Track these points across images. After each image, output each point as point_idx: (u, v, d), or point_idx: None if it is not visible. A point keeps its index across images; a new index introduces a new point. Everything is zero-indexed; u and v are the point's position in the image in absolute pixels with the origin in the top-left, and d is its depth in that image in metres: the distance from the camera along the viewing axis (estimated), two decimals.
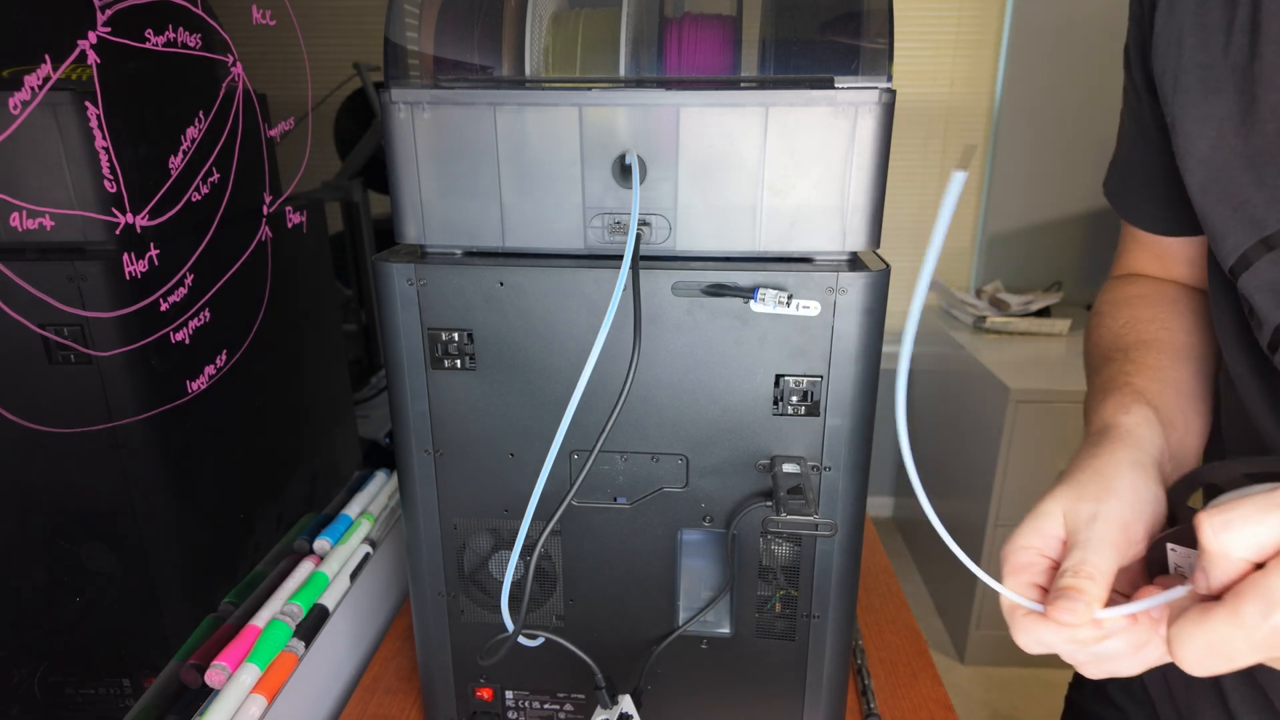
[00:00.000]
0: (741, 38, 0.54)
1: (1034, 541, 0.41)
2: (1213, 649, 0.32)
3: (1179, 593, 0.36)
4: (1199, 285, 0.60)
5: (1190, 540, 0.35)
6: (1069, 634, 0.38)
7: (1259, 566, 0.32)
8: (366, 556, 0.82)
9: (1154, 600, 0.37)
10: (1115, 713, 0.65)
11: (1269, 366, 0.48)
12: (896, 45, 0.50)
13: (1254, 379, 0.50)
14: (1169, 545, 0.39)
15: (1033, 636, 0.39)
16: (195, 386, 0.67)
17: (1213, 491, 0.38)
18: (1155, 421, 0.47)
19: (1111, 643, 0.38)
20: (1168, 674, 0.59)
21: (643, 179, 0.51)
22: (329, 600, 0.74)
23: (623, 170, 0.51)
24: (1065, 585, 0.38)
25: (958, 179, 0.30)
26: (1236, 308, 0.49)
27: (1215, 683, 0.55)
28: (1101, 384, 0.52)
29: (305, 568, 0.77)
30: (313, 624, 0.71)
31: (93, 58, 0.54)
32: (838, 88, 0.49)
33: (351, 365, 1.26)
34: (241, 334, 0.74)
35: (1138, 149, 0.57)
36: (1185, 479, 0.42)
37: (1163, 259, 0.61)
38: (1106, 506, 0.40)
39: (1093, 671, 0.40)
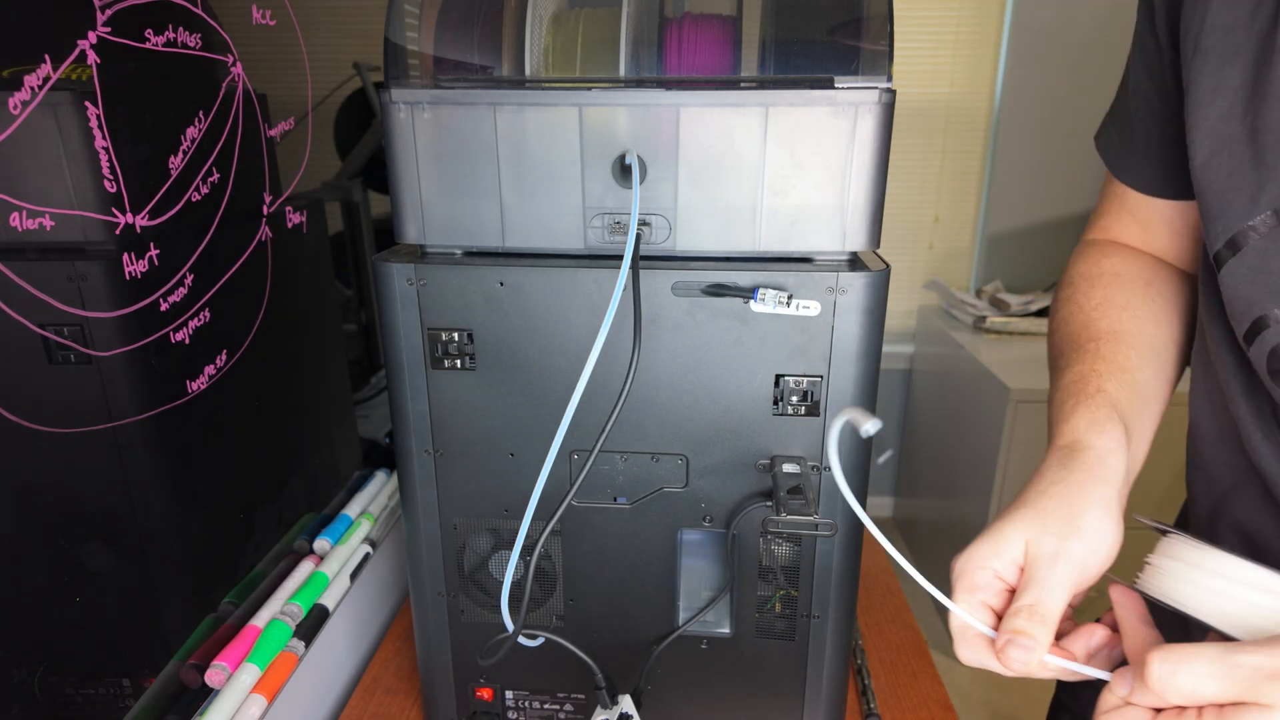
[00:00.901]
0: (741, 38, 0.54)
1: (993, 563, 0.43)
2: None
3: (1097, 674, 0.40)
4: (1179, 258, 0.59)
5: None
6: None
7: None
8: (366, 556, 0.82)
9: (1095, 672, 0.40)
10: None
11: (1245, 357, 0.48)
12: (896, 45, 0.50)
13: (1232, 361, 0.50)
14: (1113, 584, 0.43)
15: (977, 657, 0.42)
16: (195, 386, 0.67)
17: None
18: (1124, 444, 0.47)
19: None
20: None
21: (643, 179, 0.51)
22: (329, 600, 0.74)
23: (623, 170, 0.51)
24: (1019, 629, 0.39)
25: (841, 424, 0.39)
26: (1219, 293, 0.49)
27: None
28: (1073, 381, 0.51)
29: (305, 568, 0.77)
30: (313, 624, 0.71)
31: (93, 58, 0.54)
32: (838, 88, 0.49)
33: (351, 365, 1.26)
34: (241, 334, 0.74)
35: (1148, 104, 0.55)
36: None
37: (1147, 226, 0.59)
38: (1069, 546, 0.41)
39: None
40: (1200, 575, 0.39)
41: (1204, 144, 0.46)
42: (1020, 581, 0.42)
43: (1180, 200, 0.56)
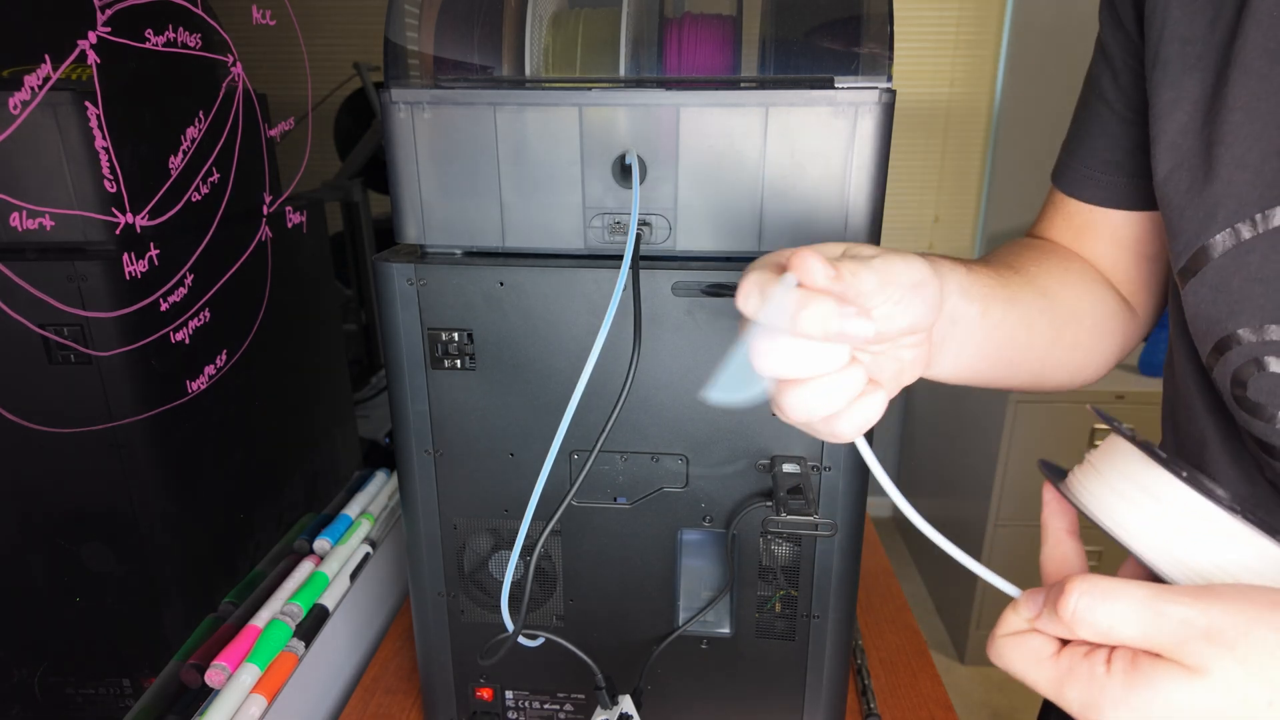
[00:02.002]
0: (741, 38, 0.54)
1: (780, 259, 0.36)
2: (1023, 680, 0.33)
3: (1006, 588, 0.36)
4: (1112, 269, 0.57)
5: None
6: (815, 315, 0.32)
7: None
8: (366, 556, 0.82)
9: (1001, 582, 0.37)
10: None
11: (1209, 378, 0.46)
12: (896, 45, 0.50)
13: (1198, 381, 0.48)
14: (1047, 484, 0.37)
15: (756, 277, 0.34)
16: (195, 386, 0.67)
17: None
18: (964, 268, 0.43)
19: (827, 384, 0.34)
20: None
21: (643, 179, 0.51)
22: (329, 600, 0.74)
23: (623, 170, 0.51)
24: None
25: None
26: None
27: None
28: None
29: (305, 568, 0.77)
30: (313, 624, 0.71)
31: (93, 58, 0.54)
32: (837, 88, 0.49)
33: (351, 365, 1.25)
34: (241, 334, 0.74)
35: (1110, 108, 0.53)
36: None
37: (1082, 232, 0.56)
38: (890, 255, 0.36)
39: (797, 408, 0.35)
40: (1134, 491, 0.33)
41: (1163, 158, 0.45)
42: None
43: (1130, 211, 0.55)
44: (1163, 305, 0.59)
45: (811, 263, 0.32)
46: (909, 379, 0.41)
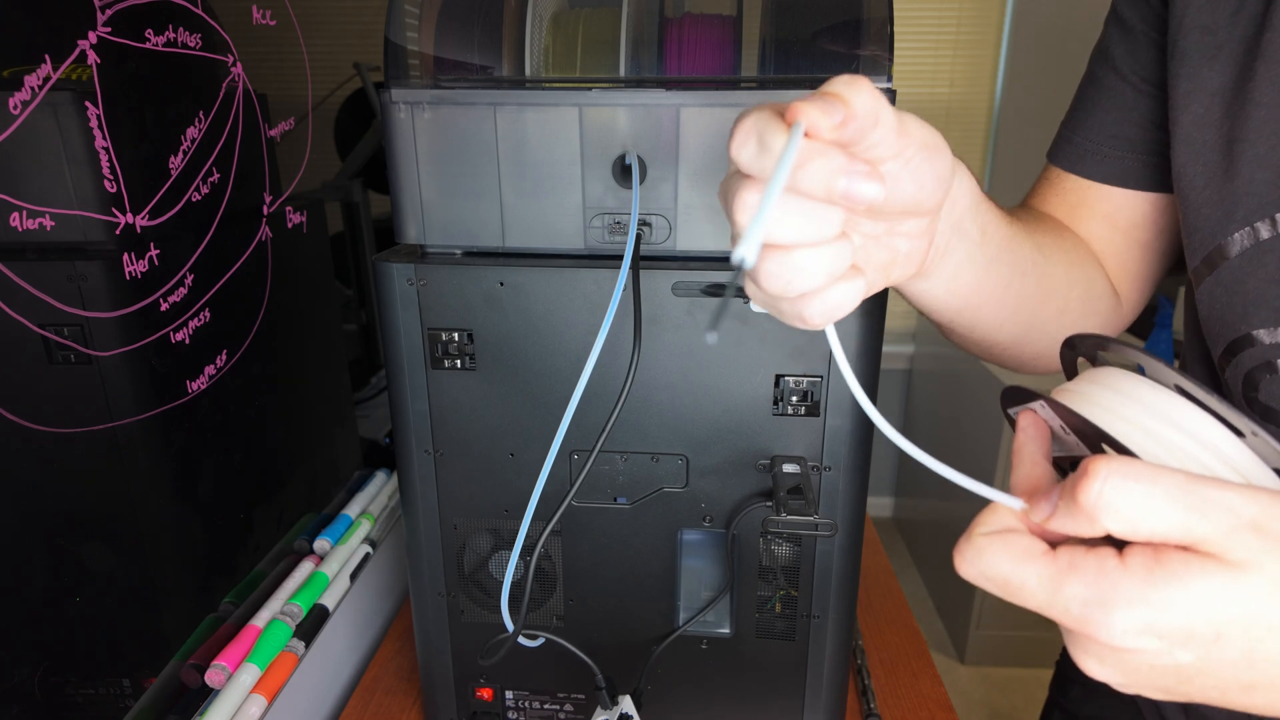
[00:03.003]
0: (741, 38, 0.54)
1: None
2: (1004, 586, 0.27)
3: (1007, 501, 0.29)
4: (1102, 249, 0.55)
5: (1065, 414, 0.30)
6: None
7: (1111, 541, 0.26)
8: (366, 556, 0.82)
9: (985, 490, 0.30)
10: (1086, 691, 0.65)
11: (1220, 378, 0.46)
12: (896, 45, 0.50)
13: (1208, 381, 0.47)
14: (1045, 403, 0.32)
15: (755, 123, 0.29)
16: (195, 386, 0.67)
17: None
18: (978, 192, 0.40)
19: (812, 254, 0.30)
20: None
21: (643, 179, 0.51)
22: (329, 600, 0.74)
23: (623, 170, 0.51)
24: (827, 90, 0.28)
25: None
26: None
27: None
28: None
29: (305, 568, 0.77)
30: (313, 624, 0.71)
31: (93, 58, 0.54)
32: None
33: (351, 365, 1.25)
34: (241, 334, 0.74)
35: (1123, 79, 0.51)
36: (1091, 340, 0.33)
37: (1076, 210, 0.54)
38: (910, 117, 0.32)
39: (772, 279, 0.31)
40: (1138, 413, 0.29)
41: (1180, 149, 0.44)
42: None
43: (1133, 190, 0.52)
44: (1145, 301, 0.57)
45: (820, 112, 0.27)
46: (898, 276, 0.37)
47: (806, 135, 0.28)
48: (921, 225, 0.36)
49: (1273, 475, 0.27)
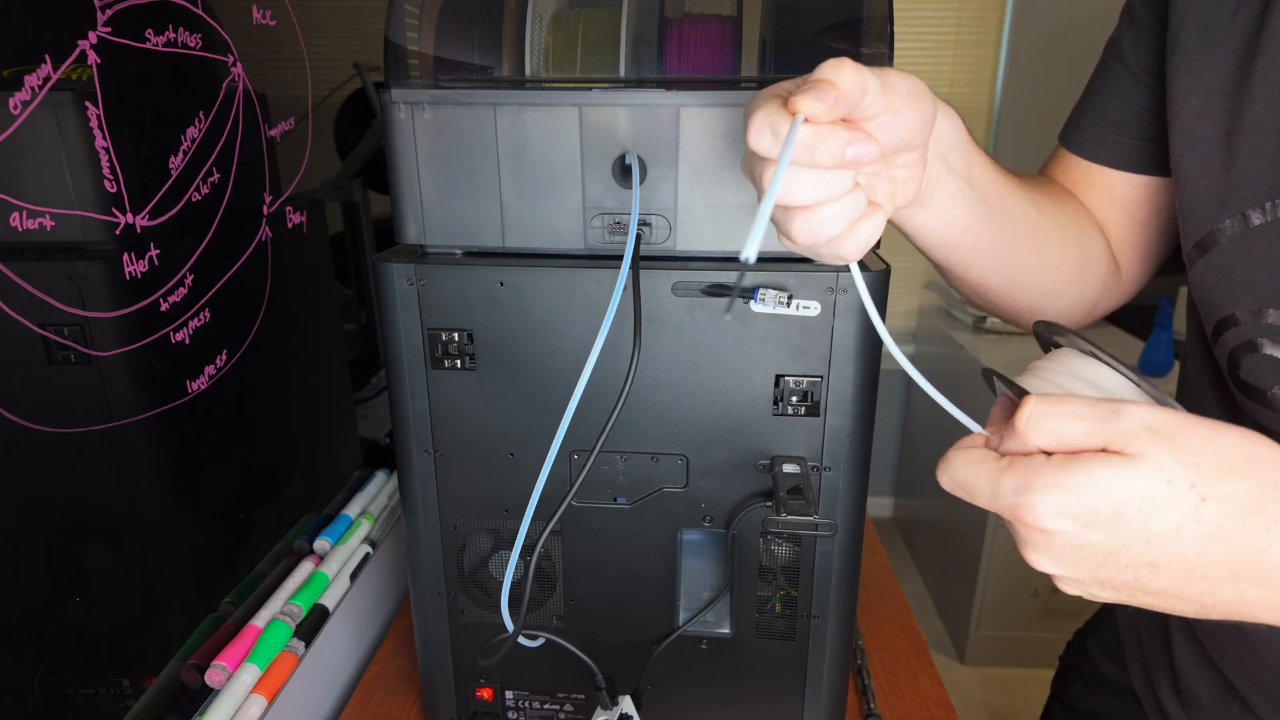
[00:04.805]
0: (741, 38, 0.54)
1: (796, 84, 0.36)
2: (964, 486, 0.35)
3: (974, 426, 0.38)
4: (1104, 223, 0.58)
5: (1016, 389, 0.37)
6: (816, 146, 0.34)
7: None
8: (366, 556, 0.82)
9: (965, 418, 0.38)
10: (1089, 665, 0.68)
11: (1211, 356, 0.48)
12: (896, 45, 0.50)
13: (1203, 357, 0.50)
14: (999, 379, 0.40)
15: (768, 115, 0.35)
16: (195, 386, 0.67)
17: None
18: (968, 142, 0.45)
19: (834, 208, 0.36)
20: (1139, 628, 0.61)
21: (643, 179, 0.51)
22: (329, 600, 0.74)
23: (623, 170, 0.51)
24: (818, 77, 0.34)
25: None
26: None
27: (1165, 640, 0.57)
28: None
29: (305, 568, 0.77)
30: (313, 624, 0.71)
31: (93, 58, 0.54)
32: None
33: (351, 365, 1.26)
34: (241, 334, 0.74)
35: (1128, 69, 0.53)
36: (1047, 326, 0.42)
37: (1079, 187, 0.57)
38: (891, 72, 0.37)
39: (805, 233, 0.37)
40: (1082, 388, 0.36)
41: (1178, 141, 0.46)
42: None
43: (1129, 173, 0.55)
44: (1147, 275, 0.60)
45: (815, 102, 0.33)
46: (902, 199, 0.42)
47: (808, 121, 0.33)
48: (914, 157, 0.41)
49: None
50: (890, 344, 0.41)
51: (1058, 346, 0.40)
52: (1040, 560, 0.33)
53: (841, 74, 0.33)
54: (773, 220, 0.38)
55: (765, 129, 0.34)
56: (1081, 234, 0.55)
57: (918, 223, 0.47)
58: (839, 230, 0.37)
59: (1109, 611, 0.68)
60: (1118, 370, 0.36)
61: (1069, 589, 0.34)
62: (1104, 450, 0.31)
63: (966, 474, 0.35)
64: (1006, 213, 0.49)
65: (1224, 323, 0.45)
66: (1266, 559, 0.30)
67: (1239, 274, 0.44)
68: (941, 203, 0.45)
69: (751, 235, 0.30)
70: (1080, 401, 0.32)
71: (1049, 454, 0.32)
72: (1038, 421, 0.32)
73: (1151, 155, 0.54)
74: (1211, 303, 0.45)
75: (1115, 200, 0.56)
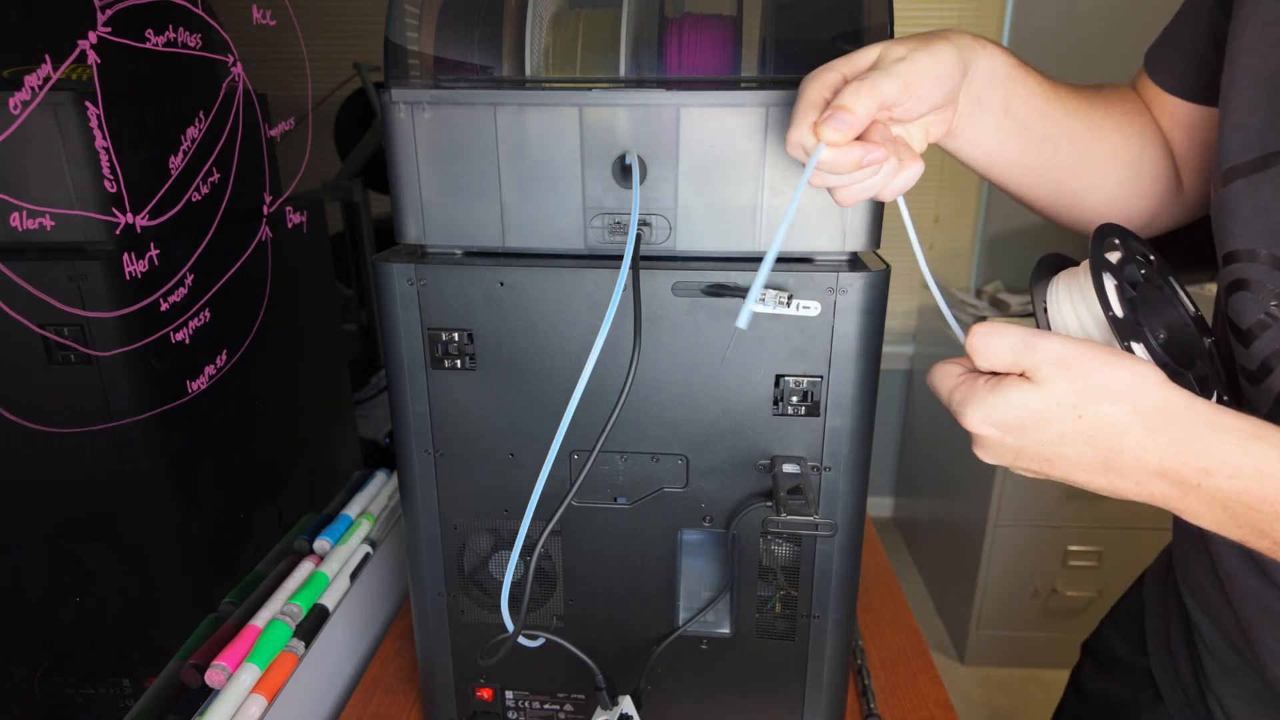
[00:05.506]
0: (741, 38, 0.54)
1: (843, 69, 0.45)
2: (934, 390, 0.45)
3: (960, 335, 0.44)
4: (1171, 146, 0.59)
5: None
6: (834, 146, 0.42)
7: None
8: (366, 556, 0.82)
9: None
10: (1103, 645, 0.69)
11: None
12: None
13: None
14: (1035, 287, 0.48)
15: (799, 136, 0.43)
16: (195, 386, 0.67)
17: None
18: (1006, 66, 0.50)
19: (869, 181, 0.45)
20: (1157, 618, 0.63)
21: (643, 179, 0.51)
22: (329, 600, 0.74)
23: (623, 170, 0.51)
24: (840, 103, 0.42)
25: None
26: None
27: (1186, 625, 0.58)
28: None
29: (305, 568, 0.77)
30: (313, 624, 0.71)
31: (93, 58, 0.54)
32: None
33: (351, 365, 1.25)
34: (241, 334, 0.74)
35: (1202, 3, 0.54)
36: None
37: (1151, 104, 0.59)
38: (917, 53, 0.45)
39: (852, 196, 0.46)
40: (1068, 309, 0.45)
41: (1226, 71, 0.47)
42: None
43: (1186, 101, 0.57)
44: (1207, 194, 0.60)
45: (835, 132, 0.42)
46: (934, 137, 0.51)
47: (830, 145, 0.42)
48: (942, 113, 0.49)
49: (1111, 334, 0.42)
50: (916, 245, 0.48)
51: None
52: (979, 453, 0.43)
53: (858, 100, 0.42)
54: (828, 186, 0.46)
55: (798, 148, 0.44)
56: (1137, 155, 0.57)
57: (952, 148, 0.54)
58: (880, 187, 0.45)
59: (1126, 595, 0.69)
60: (1102, 300, 0.43)
61: (1002, 466, 0.44)
62: (1022, 375, 0.40)
63: (938, 382, 0.44)
64: (1048, 137, 0.53)
65: (1227, 257, 0.46)
66: (1123, 459, 0.39)
67: (1245, 213, 0.45)
68: (973, 136, 0.52)
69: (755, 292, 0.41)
70: (1010, 334, 0.40)
71: (997, 374, 0.41)
72: (977, 349, 0.41)
73: (1210, 86, 0.54)
74: (1221, 235, 0.47)
75: (1180, 123, 0.58)
